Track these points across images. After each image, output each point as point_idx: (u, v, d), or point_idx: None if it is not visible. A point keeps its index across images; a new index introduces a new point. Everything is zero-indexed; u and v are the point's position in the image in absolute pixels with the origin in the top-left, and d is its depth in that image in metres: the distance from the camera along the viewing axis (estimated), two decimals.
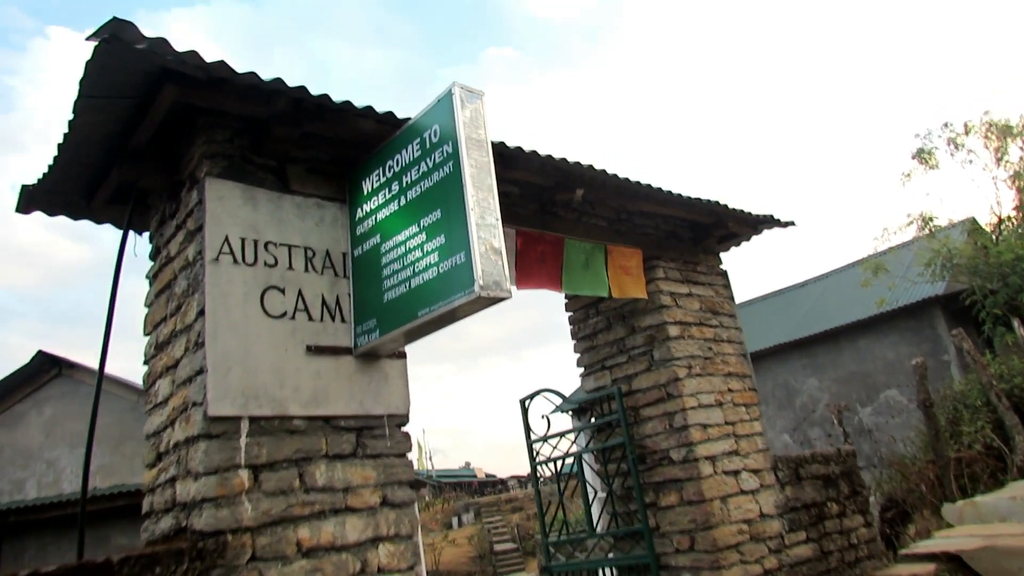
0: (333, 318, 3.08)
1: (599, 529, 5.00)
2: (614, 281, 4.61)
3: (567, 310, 5.53)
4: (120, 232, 3.32)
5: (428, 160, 2.84)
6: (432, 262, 2.74)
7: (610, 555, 4.89)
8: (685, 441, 4.59)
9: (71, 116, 2.85)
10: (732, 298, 5.49)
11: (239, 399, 2.71)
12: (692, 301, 5.10)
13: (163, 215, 3.31)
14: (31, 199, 3.40)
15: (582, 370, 5.38)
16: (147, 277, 3.45)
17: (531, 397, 5.50)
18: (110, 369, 10.06)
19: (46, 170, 3.22)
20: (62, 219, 3.61)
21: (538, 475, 5.45)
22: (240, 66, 2.80)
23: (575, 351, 5.44)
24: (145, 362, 3.36)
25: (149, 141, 3.08)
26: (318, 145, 3.26)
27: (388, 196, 3.05)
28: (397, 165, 3.02)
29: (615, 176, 4.31)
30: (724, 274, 5.54)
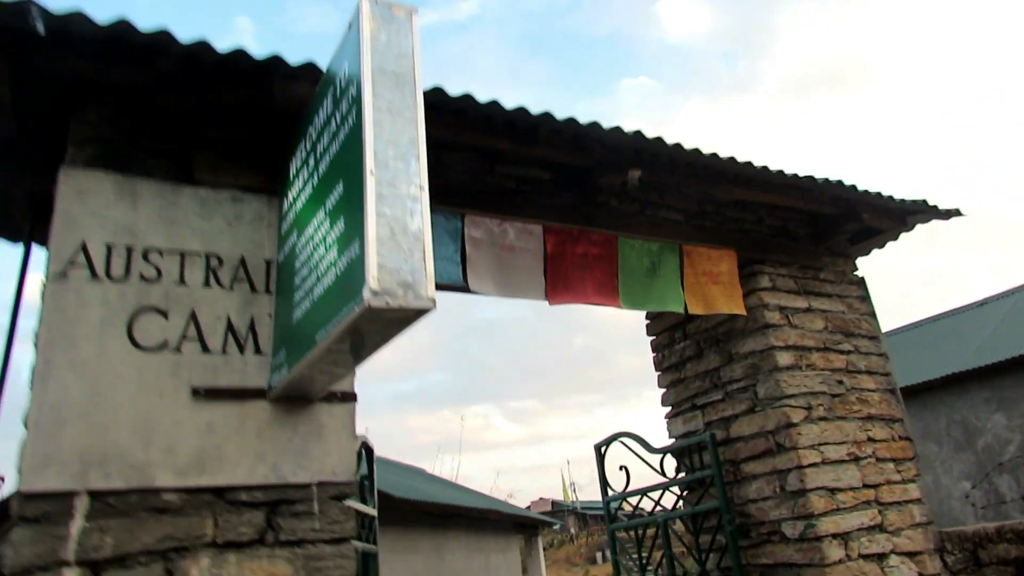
0: (243, 348, 2.21)
1: None
2: (694, 292, 3.44)
3: (648, 333, 4.38)
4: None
5: (337, 115, 1.91)
6: (331, 260, 1.80)
7: None
8: (802, 512, 3.31)
9: None
10: (873, 314, 4.11)
11: (74, 466, 1.88)
12: (812, 319, 3.81)
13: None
14: None
15: (668, 409, 4.20)
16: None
17: (607, 443, 4.39)
18: None
19: None
20: None
21: (616, 541, 4.31)
22: None
23: (659, 385, 4.27)
24: None
25: (14, 136, 2.37)
26: (234, 121, 2.43)
27: (306, 176, 2.15)
28: (315, 131, 2.11)
29: (689, 151, 3.17)
30: (860, 283, 4.18)
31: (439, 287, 3.19)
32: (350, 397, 2.33)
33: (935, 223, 4.24)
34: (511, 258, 2.92)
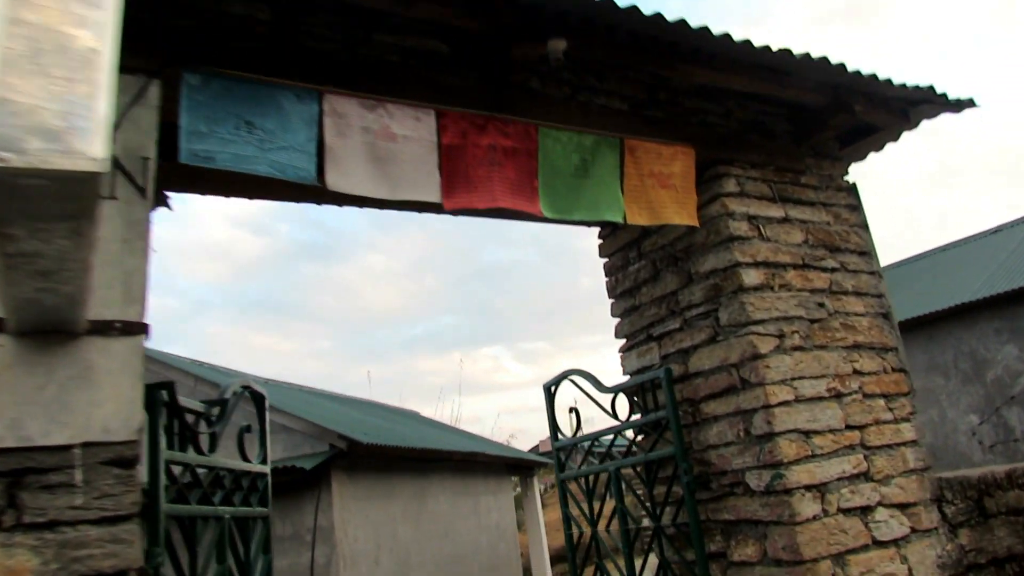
0: None
1: None
2: (637, 198, 2.80)
3: (601, 254, 3.75)
4: None
5: None
6: None
7: None
8: (769, 459, 2.74)
9: None
10: (865, 226, 3.46)
11: None
12: (790, 230, 3.17)
13: None
14: None
15: (622, 342, 3.61)
16: None
17: (556, 383, 3.83)
18: None
19: None
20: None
21: (567, 492, 3.78)
22: None
23: (612, 314, 3.66)
24: None
25: None
26: None
27: None
28: None
29: (631, 13, 2.47)
30: (851, 189, 3.52)
31: (288, 191, 2.56)
32: (136, 328, 1.73)
33: (944, 119, 3.55)
34: (392, 149, 2.28)
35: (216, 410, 2.72)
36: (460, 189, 2.45)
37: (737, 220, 3.02)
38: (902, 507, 2.94)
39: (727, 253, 2.98)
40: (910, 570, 2.83)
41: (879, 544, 2.81)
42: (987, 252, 13.22)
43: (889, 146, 3.70)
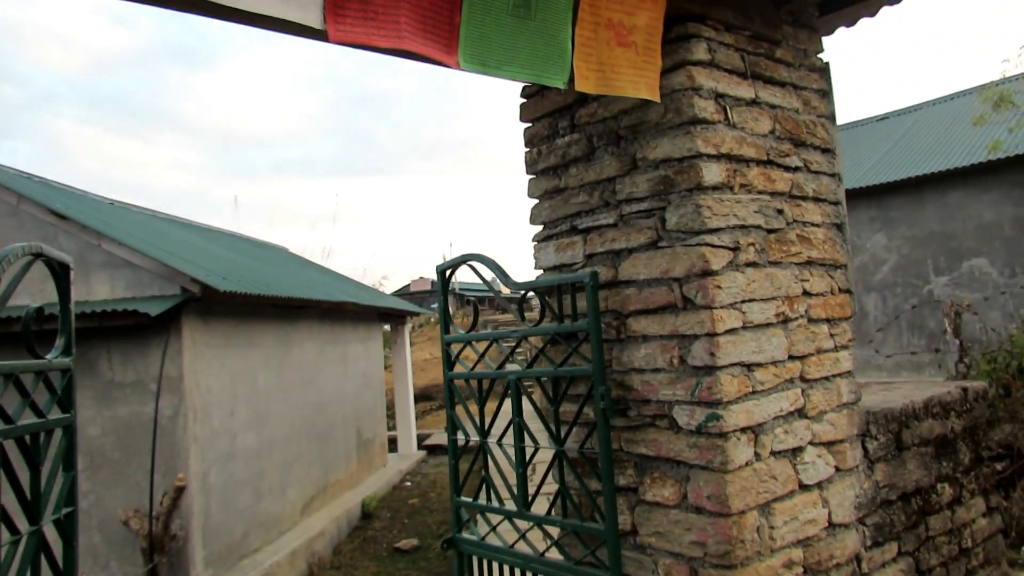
0: None
1: (537, 508, 2.89)
2: (588, 56, 2.10)
3: (522, 118, 3.04)
4: None
5: None
6: None
7: (547, 553, 2.82)
8: (706, 396, 2.31)
9: None
10: (832, 118, 2.94)
11: None
12: (759, 116, 2.59)
13: None
14: None
15: (538, 229, 3.01)
16: None
17: (454, 266, 3.22)
18: None
19: None
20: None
21: (453, 394, 3.29)
22: None
23: (529, 194, 3.02)
24: None
25: None
26: None
27: None
28: None
29: None
30: (824, 71, 2.96)
31: None
32: None
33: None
34: None
35: None
36: (351, 18, 1.65)
37: (703, 98, 2.39)
38: (829, 445, 2.65)
39: (687, 140, 2.37)
40: (830, 513, 2.59)
41: (804, 488, 2.52)
42: (871, 140, 13.43)
43: (863, 20, 3.14)
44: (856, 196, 11.39)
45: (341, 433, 10.99)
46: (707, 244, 2.33)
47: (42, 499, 2.15)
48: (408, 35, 1.72)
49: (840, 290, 2.80)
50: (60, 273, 2.39)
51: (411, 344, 20.95)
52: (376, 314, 12.91)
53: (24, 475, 2.06)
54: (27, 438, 2.09)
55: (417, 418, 18.26)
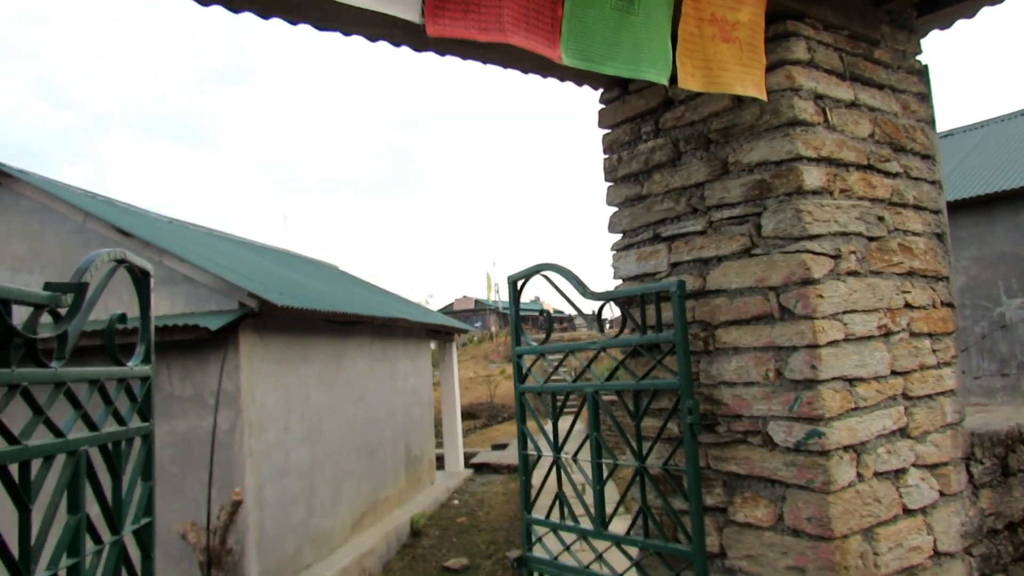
0: None
1: (615, 527, 2.78)
2: (692, 51, 2.01)
3: (601, 124, 2.96)
4: None
5: None
6: None
7: (625, 574, 2.69)
8: (807, 412, 2.18)
9: None
10: (932, 122, 2.80)
11: None
12: (858, 119, 2.46)
13: None
14: None
15: (618, 238, 2.91)
16: None
17: (526, 276, 3.14)
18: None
19: None
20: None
21: (524, 408, 3.20)
22: None
23: (608, 201, 2.94)
24: None
25: None
26: None
27: None
28: None
29: None
30: (922, 73, 2.82)
31: None
32: None
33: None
34: None
35: (69, 297, 1.88)
36: (454, 9, 1.59)
37: (803, 99, 2.28)
38: (933, 468, 2.48)
39: (786, 142, 2.26)
40: (935, 541, 2.41)
41: (908, 513, 2.36)
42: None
43: (960, 22, 3.00)
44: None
45: (391, 449, 10.97)
46: (808, 251, 2.20)
47: (123, 509, 2.11)
48: (511, 28, 1.66)
49: (942, 303, 2.64)
50: (141, 280, 2.38)
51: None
52: (425, 331, 12.92)
53: (107, 484, 2.02)
54: (110, 446, 2.07)
55: (463, 437, 18.19)
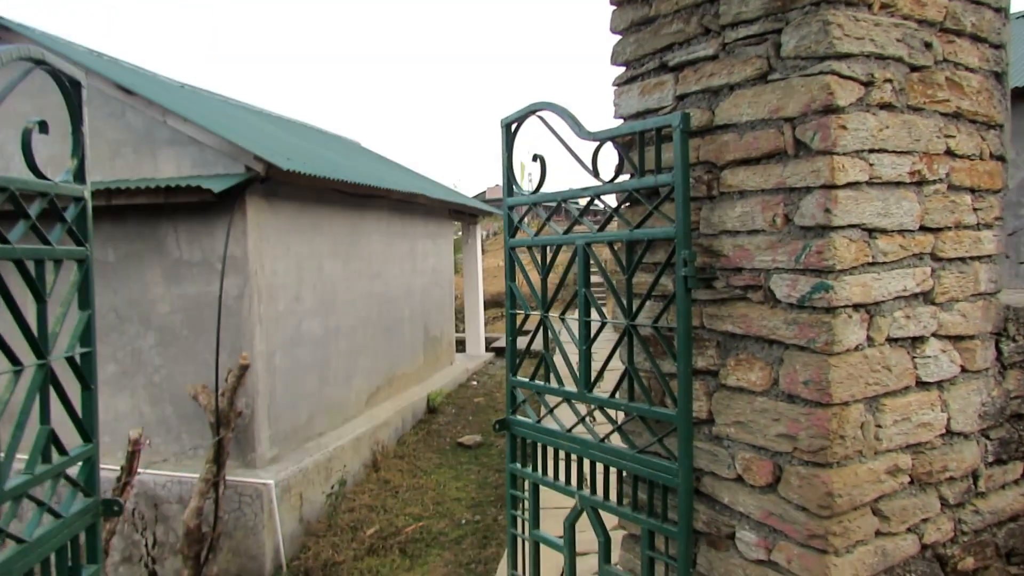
0: None
1: (599, 389, 2.58)
2: None
3: None
4: None
5: None
6: None
7: (608, 440, 2.51)
8: (815, 262, 1.89)
9: None
10: None
11: None
12: None
13: None
14: None
15: (620, 71, 2.56)
16: None
17: (521, 118, 2.83)
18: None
19: None
20: None
21: (514, 264, 2.96)
22: None
23: (611, 28, 2.56)
24: None
25: None
26: None
27: None
28: None
29: None
30: None
31: None
32: None
33: None
34: None
35: None
36: None
37: None
38: (957, 340, 2.20)
39: None
40: (949, 419, 2.17)
41: (922, 386, 2.10)
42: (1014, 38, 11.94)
43: None
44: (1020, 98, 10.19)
45: (408, 328, 10.98)
46: (833, 72, 1.85)
47: (51, 336, 1.94)
48: None
49: (991, 155, 2.28)
50: (71, 91, 2.11)
51: (483, 251, 20.82)
52: (447, 211, 12.67)
53: (31, 309, 1.84)
54: (30, 265, 1.87)
55: (486, 324, 18.26)
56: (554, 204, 2.71)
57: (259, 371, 6.92)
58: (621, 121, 2.52)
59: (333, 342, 8.50)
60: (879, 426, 1.98)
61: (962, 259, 2.19)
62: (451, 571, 6.19)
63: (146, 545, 6.49)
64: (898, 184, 2.00)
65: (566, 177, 16.78)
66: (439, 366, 12.50)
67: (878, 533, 2.01)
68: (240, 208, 6.73)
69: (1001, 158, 2.30)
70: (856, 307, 1.91)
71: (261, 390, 6.96)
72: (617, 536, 2.59)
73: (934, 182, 2.10)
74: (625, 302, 2.36)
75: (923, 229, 2.07)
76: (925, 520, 2.13)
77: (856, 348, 1.91)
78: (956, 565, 2.22)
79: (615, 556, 2.59)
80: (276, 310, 7.26)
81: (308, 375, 7.90)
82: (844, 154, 1.86)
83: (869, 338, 1.95)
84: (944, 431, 2.16)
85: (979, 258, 2.24)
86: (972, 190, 2.22)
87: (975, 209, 2.23)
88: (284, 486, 6.83)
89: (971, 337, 2.23)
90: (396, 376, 10.47)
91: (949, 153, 2.14)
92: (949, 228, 2.15)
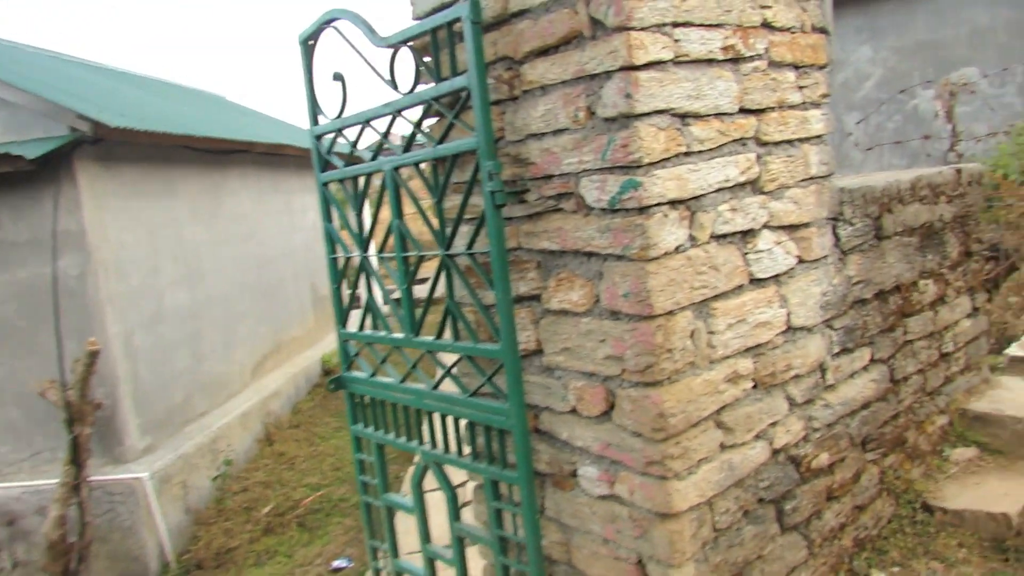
0: None
1: (428, 333, 2.31)
2: None
3: None
4: None
5: None
6: None
7: (441, 386, 2.26)
8: (620, 157, 1.65)
9: None
10: None
11: None
12: None
13: None
14: None
15: None
16: None
17: (315, 33, 2.45)
18: None
19: None
20: None
21: (329, 202, 2.63)
22: None
23: None
24: None
25: None
26: None
27: None
28: None
29: None
30: None
31: None
32: None
33: None
34: None
35: None
36: None
37: None
38: (791, 229, 2.04)
39: None
40: (789, 315, 2.02)
41: (757, 283, 1.93)
42: None
43: None
44: (843, 3, 10.34)
45: (292, 288, 10.44)
46: None
47: None
48: None
49: (814, 28, 2.09)
50: None
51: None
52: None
53: None
54: None
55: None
56: (359, 127, 2.37)
57: (116, 355, 6.33)
58: (417, 21, 2.19)
59: (205, 313, 7.92)
60: (712, 332, 1.80)
61: (789, 141, 2.02)
62: (351, 537, 5.96)
63: (0, 570, 5.92)
64: (710, 62, 1.78)
65: (383, 96, 16.21)
66: (332, 325, 12.04)
67: (723, 446, 1.85)
68: (68, 175, 6.01)
69: (824, 30, 2.12)
70: (673, 204, 1.69)
71: (122, 375, 6.39)
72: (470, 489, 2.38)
73: (752, 58, 1.89)
74: (438, 230, 2.08)
75: (743, 111, 1.87)
76: (773, 424, 2.00)
77: (677, 250, 1.71)
78: (810, 463, 2.11)
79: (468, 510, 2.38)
80: (129, 286, 6.63)
81: (178, 352, 7.34)
82: (643, 29, 1.62)
83: (691, 237, 1.74)
84: (785, 328, 2.02)
85: (808, 139, 2.08)
86: (795, 66, 2.03)
87: (800, 87, 2.05)
88: (162, 477, 6.36)
89: (806, 225, 2.08)
90: (284, 341, 9.97)
91: (767, 26, 1.93)
92: (773, 109, 1.96)
